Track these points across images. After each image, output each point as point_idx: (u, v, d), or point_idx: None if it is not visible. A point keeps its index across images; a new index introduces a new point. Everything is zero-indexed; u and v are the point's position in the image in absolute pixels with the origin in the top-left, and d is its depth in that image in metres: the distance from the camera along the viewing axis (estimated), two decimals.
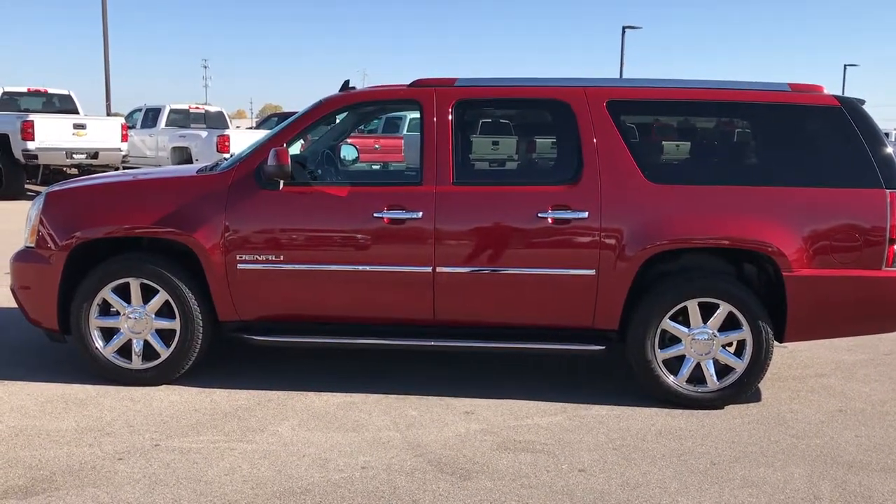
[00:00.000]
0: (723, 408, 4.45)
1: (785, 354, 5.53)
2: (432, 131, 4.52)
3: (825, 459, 3.81)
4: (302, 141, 5.25)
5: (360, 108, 5.19)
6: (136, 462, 3.62)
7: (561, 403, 4.49)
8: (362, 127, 15.43)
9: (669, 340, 4.47)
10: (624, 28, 37.48)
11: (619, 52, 37.48)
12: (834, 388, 4.92)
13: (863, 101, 4.55)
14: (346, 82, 5.04)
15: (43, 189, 6.09)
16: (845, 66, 53.02)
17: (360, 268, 4.48)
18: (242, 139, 15.67)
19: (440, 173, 4.46)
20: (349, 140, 5.95)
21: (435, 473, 3.57)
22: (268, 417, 4.21)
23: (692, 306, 4.38)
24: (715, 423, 4.23)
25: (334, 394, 4.59)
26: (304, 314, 4.63)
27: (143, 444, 3.83)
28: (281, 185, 4.48)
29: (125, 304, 4.61)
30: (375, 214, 4.45)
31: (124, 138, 16.45)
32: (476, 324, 4.61)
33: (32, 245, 4.70)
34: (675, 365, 4.46)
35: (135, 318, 4.61)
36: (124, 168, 16.22)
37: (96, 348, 4.64)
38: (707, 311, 4.39)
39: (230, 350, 5.17)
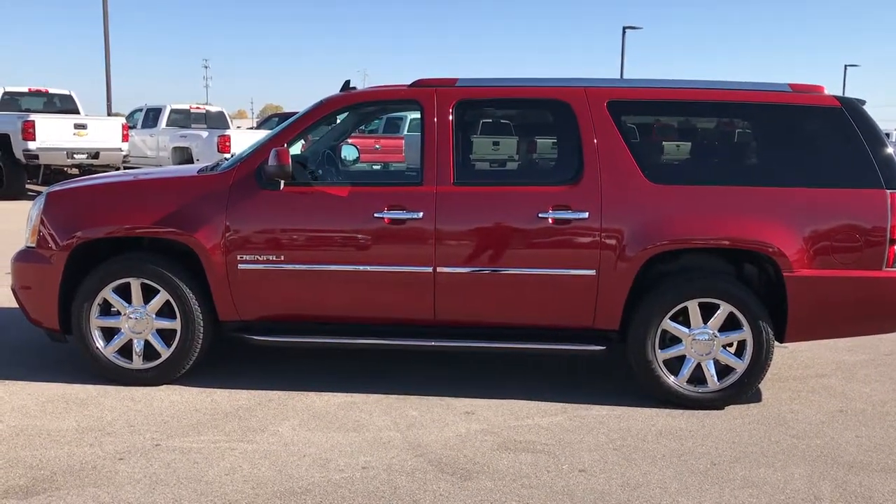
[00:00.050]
0: (723, 408, 4.45)
1: (785, 355, 5.53)
2: (433, 131, 4.52)
3: (826, 460, 3.81)
4: (303, 141, 5.25)
5: (360, 108, 5.20)
6: (136, 462, 3.62)
7: (561, 403, 4.49)
8: (363, 127, 15.43)
9: (670, 341, 4.47)
10: (624, 28, 37.47)
11: (620, 53, 37.49)
12: (834, 388, 4.91)
13: (863, 102, 4.55)
14: (347, 82, 5.04)
15: (44, 189, 6.09)
16: (846, 66, 53.13)
17: (361, 268, 4.49)
18: (243, 139, 15.68)
19: (441, 173, 4.46)
20: (350, 140, 5.95)
21: (435, 473, 3.57)
22: (268, 417, 4.22)
23: (693, 306, 4.38)
24: (715, 424, 4.23)
25: (335, 394, 4.59)
26: (305, 314, 4.64)
27: (143, 443, 3.83)
28: (282, 186, 4.49)
29: (126, 304, 4.62)
30: (376, 214, 4.45)
31: (125, 138, 16.47)
32: (476, 324, 4.61)
33: (33, 245, 4.70)
34: (675, 365, 4.46)
35: (135, 318, 4.61)
36: (125, 168, 16.23)
37: (97, 348, 4.64)
38: (707, 312, 4.39)
39: (231, 350, 5.18)
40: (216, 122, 19.14)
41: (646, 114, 4.94)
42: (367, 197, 4.50)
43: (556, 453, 3.81)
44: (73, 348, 4.76)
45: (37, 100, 16.98)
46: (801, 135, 4.52)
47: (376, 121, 18.34)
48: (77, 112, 16.97)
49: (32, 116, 15.11)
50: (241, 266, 4.51)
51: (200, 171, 4.90)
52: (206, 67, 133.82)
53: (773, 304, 4.44)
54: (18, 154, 15.07)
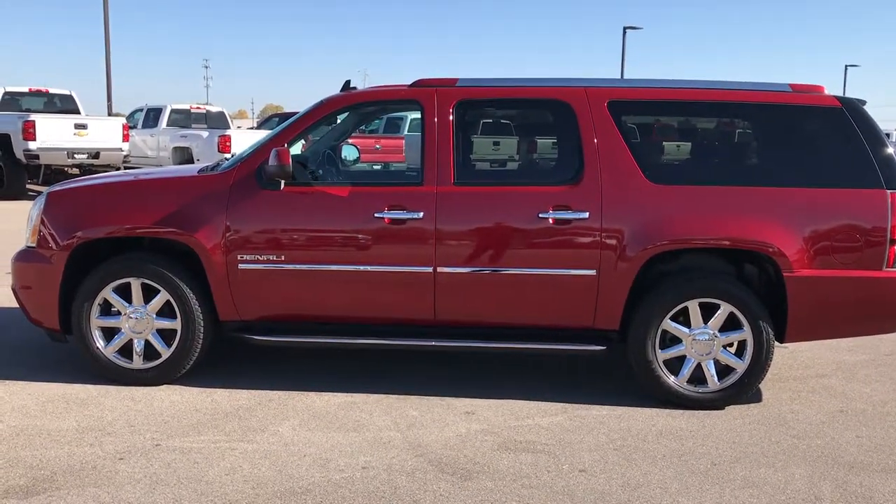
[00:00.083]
0: (724, 408, 4.45)
1: (786, 355, 5.53)
2: (433, 131, 4.52)
3: (826, 460, 3.80)
4: (303, 141, 5.25)
5: (361, 108, 5.20)
6: (136, 462, 3.62)
7: (561, 404, 4.49)
8: (363, 127, 15.43)
9: (670, 341, 4.47)
10: (625, 28, 37.49)
11: (620, 52, 37.51)
12: (835, 388, 4.91)
13: (864, 102, 4.55)
14: (348, 82, 5.04)
15: (44, 189, 6.09)
16: (846, 66, 53.12)
17: (361, 268, 4.48)
18: (243, 139, 15.68)
19: (441, 173, 4.46)
20: (350, 140, 5.95)
21: (436, 473, 3.57)
22: (268, 417, 4.22)
23: (693, 307, 4.38)
24: (716, 424, 4.23)
25: (335, 394, 4.59)
26: (305, 314, 4.64)
27: (144, 443, 3.83)
28: (282, 186, 4.49)
29: (126, 304, 4.62)
30: (376, 214, 4.45)
31: (125, 138, 16.47)
32: (477, 324, 4.61)
33: (34, 245, 4.70)
34: (675, 365, 4.46)
35: (136, 318, 4.61)
36: (125, 168, 16.23)
37: (97, 348, 4.64)
38: (708, 312, 4.39)
39: (231, 350, 5.18)
40: (216, 122, 19.14)
41: (646, 114, 4.94)
42: (368, 197, 4.50)
43: (557, 453, 3.81)
44: (74, 348, 4.76)
45: (37, 100, 16.99)
46: (801, 135, 4.52)
47: (377, 121, 18.34)
48: (77, 112, 16.98)
49: (33, 116, 15.11)
50: (241, 266, 4.51)
51: (201, 171, 4.90)
52: (206, 67, 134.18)
53: (774, 305, 4.43)
54: (19, 154, 15.07)
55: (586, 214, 4.36)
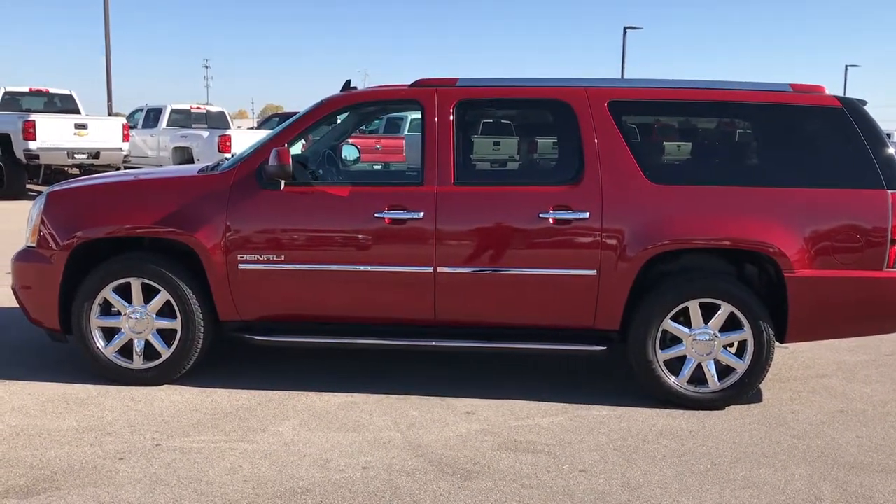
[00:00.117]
0: (724, 408, 4.45)
1: (786, 355, 5.53)
2: (434, 131, 4.52)
3: (826, 460, 3.80)
4: (303, 141, 5.25)
5: (361, 108, 5.20)
6: (137, 462, 3.62)
7: (561, 404, 4.49)
8: (364, 127, 15.43)
9: (670, 341, 4.46)
10: (625, 29, 37.50)
11: (620, 52, 37.54)
12: (835, 388, 4.91)
13: (864, 102, 4.55)
14: (348, 82, 5.04)
15: (44, 189, 6.09)
16: (847, 66, 53.10)
17: (362, 268, 4.48)
18: (244, 139, 15.69)
19: (441, 173, 4.46)
20: (350, 140, 5.95)
21: (436, 474, 3.57)
22: (269, 417, 4.22)
23: (693, 307, 4.38)
24: (716, 424, 4.23)
25: (335, 394, 4.59)
26: (305, 314, 4.63)
27: (144, 443, 3.83)
28: (282, 185, 4.49)
29: (126, 304, 4.61)
30: (377, 214, 4.45)
31: (126, 138, 16.48)
32: (477, 324, 4.61)
33: (34, 245, 4.70)
34: (676, 365, 4.46)
35: (136, 318, 4.61)
36: (126, 168, 16.23)
37: (97, 348, 4.64)
38: (708, 312, 4.39)
39: (231, 350, 5.18)
40: (217, 121, 19.15)
41: (646, 114, 4.94)
42: (368, 197, 4.50)
43: (557, 453, 3.81)
44: (74, 348, 4.76)
45: (37, 100, 17.00)
46: (802, 135, 4.52)
47: (377, 121, 18.35)
48: (78, 112, 16.99)
49: (33, 116, 15.12)
50: (241, 266, 4.51)
51: (201, 170, 4.90)
52: (206, 67, 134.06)
53: (774, 305, 4.43)
54: (19, 154, 15.08)
55: (587, 214, 4.36)
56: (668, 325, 4.40)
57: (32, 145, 14.92)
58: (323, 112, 4.76)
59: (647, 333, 4.38)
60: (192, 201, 4.55)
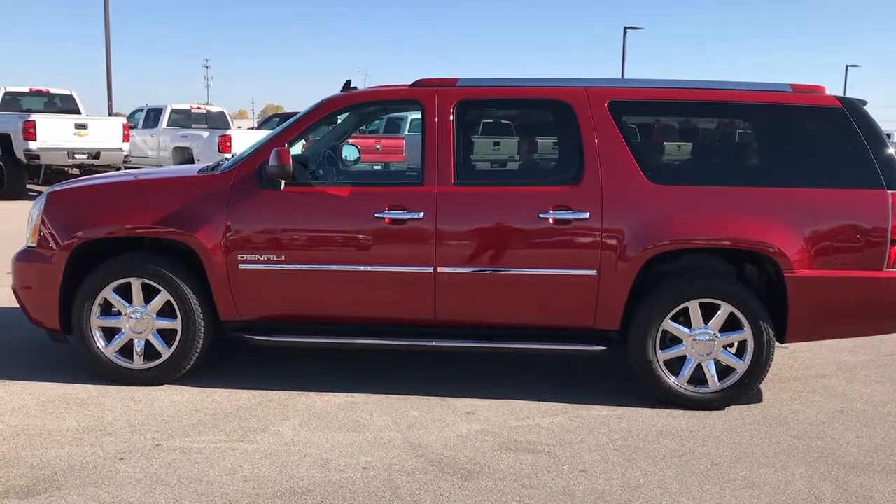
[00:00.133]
0: (724, 408, 4.45)
1: (786, 355, 5.53)
2: (434, 131, 4.52)
3: (826, 460, 3.80)
4: (303, 141, 5.25)
5: (361, 108, 5.20)
6: (137, 462, 3.62)
7: (562, 404, 4.49)
8: (364, 127, 15.43)
9: (670, 341, 4.47)
10: (625, 29, 37.50)
11: (620, 52, 37.54)
12: (835, 388, 4.91)
13: (864, 102, 4.55)
14: (348, 82, 5.05)
15: (45, 189, 6.09)
16: (847, 66, 53.01)
17: (362, 268, 4.48)
18: (244, 139, 15.69)
19: (441, 173, 4.46)
20: (351, 140, 5.95)
21: (436, 474, 3.57)
22: (269, 417, 4.22)
23: (693, 307, 4.38)
24: (716, 424, 4.23)
25: (335, 394, 4.59)
26: (306, 314, 4.64)
27: (144, 443, 3.83)
28: (282, 186, 4.49)
29: (127, 304, 4.62)
30: (377, 214, 4.45)
31: (126, 138, 16.48)
32: (477, 324, 4.61)
33: (34, 245, 4.70)
34: (676, 365, 4.46)
35: (136, 318, 4.61)
36: (126, 168, 16.23)
37: (98, 348, 4.64)
38: (708, 312, 4.39)
39: (231, 350, 5.18)
40: (217, 122, 19.14)
41: (647, 114, 4.94)
42: (368, 197, 4.50)
43: (557, 453, 3.81)
44: (74, 348, 4.76)
45: (38, 100, 17.00)
46: (802, 135, 4.52)
47: (377, 121, 18.34)
48: (78, 112, 16.99)
49: (33, 116, 15.12)
50: (241, 266, 4.51)
51: (201, 171, 4.90)
52: (206, 68, 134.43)
53: (774, 305, 4.43)
54: (19, 154, 15.08)
55: (587, 214, 4.36)
56: (668, 325, 4.40)
57: (33, 145, 14.92)
58: (323, 112, 4.76)
59: (647, 333, 4.38)
60: (192, 201, 4.55)
